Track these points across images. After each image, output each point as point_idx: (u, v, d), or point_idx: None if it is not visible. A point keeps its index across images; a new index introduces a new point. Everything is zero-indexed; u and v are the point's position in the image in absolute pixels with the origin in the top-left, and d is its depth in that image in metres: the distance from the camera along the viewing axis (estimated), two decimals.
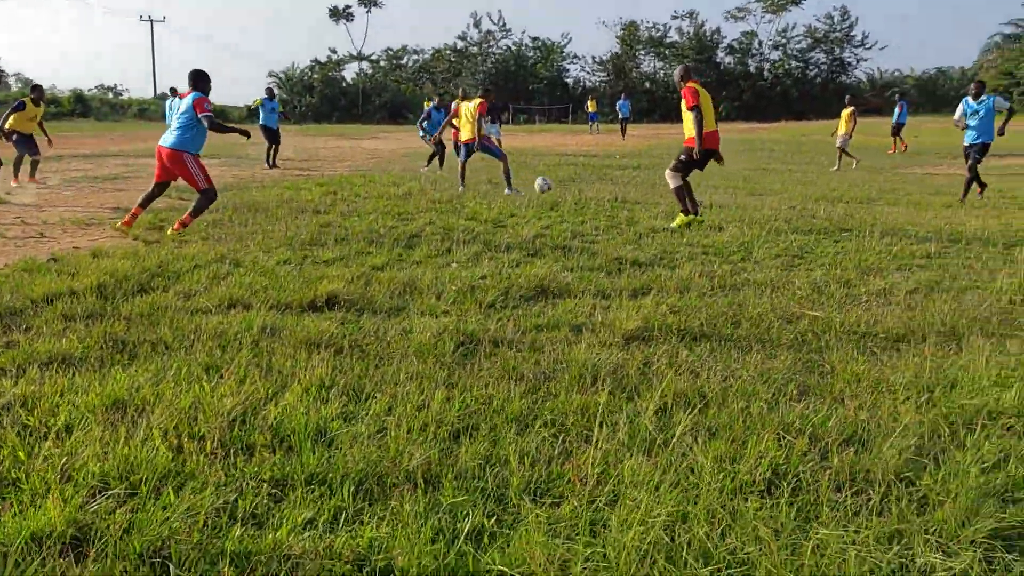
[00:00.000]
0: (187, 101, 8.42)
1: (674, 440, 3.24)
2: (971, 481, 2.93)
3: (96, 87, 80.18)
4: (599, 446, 3.19)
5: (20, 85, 68.46)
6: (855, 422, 3.52)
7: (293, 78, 68.63)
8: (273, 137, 18.26)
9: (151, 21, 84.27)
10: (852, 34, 65.99)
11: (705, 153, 9.11)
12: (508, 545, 2.45)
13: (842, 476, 3.00)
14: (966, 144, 12.79)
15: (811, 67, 66.84)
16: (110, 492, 2.69)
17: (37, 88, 13.83)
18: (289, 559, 2.32)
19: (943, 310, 5.51)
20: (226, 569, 2.27)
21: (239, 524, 2.56)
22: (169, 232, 8.37)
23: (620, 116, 35.06)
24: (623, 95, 39.04)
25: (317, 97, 66.48)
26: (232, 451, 3.07)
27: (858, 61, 68.34)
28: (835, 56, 66.39)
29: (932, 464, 3.11)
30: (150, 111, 60.12)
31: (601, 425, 3.43)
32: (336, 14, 70.01)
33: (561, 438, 3.29)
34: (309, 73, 69.31)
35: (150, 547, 2.38)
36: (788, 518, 2.65)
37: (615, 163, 20.28)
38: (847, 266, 7.04)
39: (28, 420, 3.31)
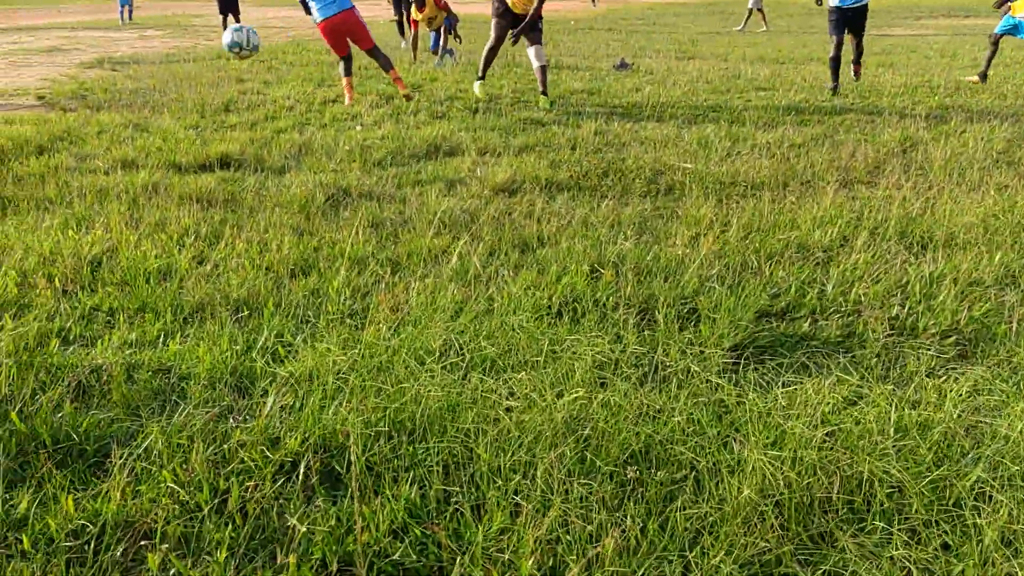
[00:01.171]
0: None
1: (492, 274, 3.55)
2: (748, 300, 3.26)
3: None
4: (423, 279, 3.49)
5: None
6: (673, 256, 3.82)
7: None
8: (228, 7, 17.46)
9: None
10: None
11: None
12: (299, 359, 2.77)
13: (634, 300, 3.32)
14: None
15: None
16: None
17: None
18: (97, 371, 2.64)
19: (816, 161, 5.77)
20: (40, 378, 2.58)
21: (67, 344, 2.86)
22: (403, 93, 8.19)
23: None
24: None
25: None
26: (79, 287, 3.35)
27: None
28: None
29: (723, 289, 3.42)
30: None
31: (432, 263, 3.73)
32: None
33: (393, 273, 3.58)
34: None
35: None
36: (559, 330, 2.98)
37: (567, 27, 19.92)
38: (744, 122, 7.23)
39: None
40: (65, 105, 8.39)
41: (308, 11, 7.99)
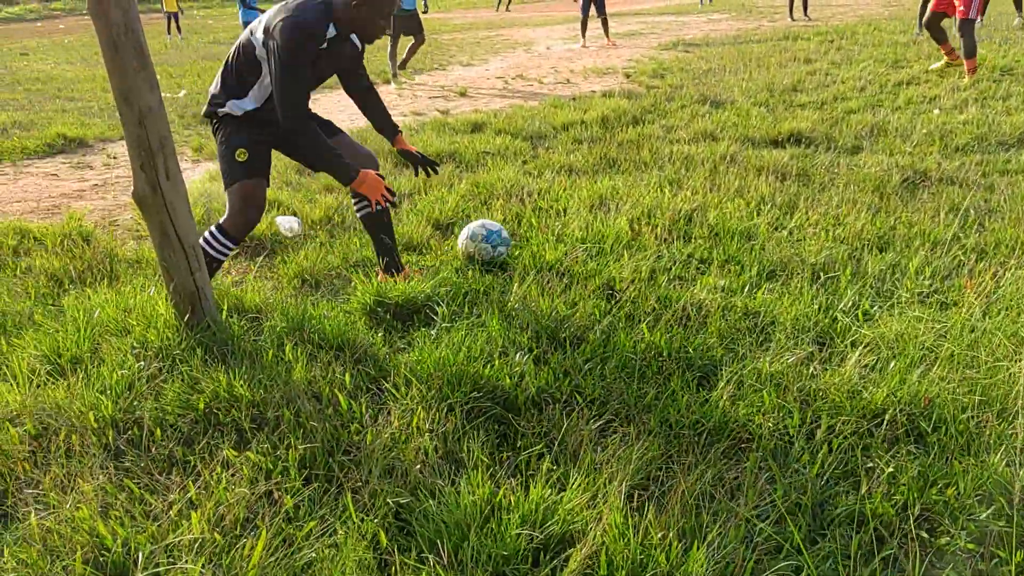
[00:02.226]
0: None
1: None
2: None
3: None
4: (1014, 271, 3.29)
5: None
6: None
7: None
8: None
9: None
10: None
11: None
12: (879, 324, 2.89)
13: None
14: None
15: None
16: (585, 248, 3.74)
17: None
18: (697, 305, 3.10)
19: None
20: (652, 303, 3.13)
21: (668, 280, 3.40)
22: (965, 79, 7.86)
23: None
24: None
25: None
26: (675, 236, 3.91)
27: None
28: None
29: None
30: None
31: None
32: None
33: (975, 260, 3.45)
34: None
35: (605, 283, 3.36)
36: None
37: None
38: None
39: (540, 204, 4.56)
40: (648, 83, 9.48)
41: None
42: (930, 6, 8.27)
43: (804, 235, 3.87)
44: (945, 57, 8.47)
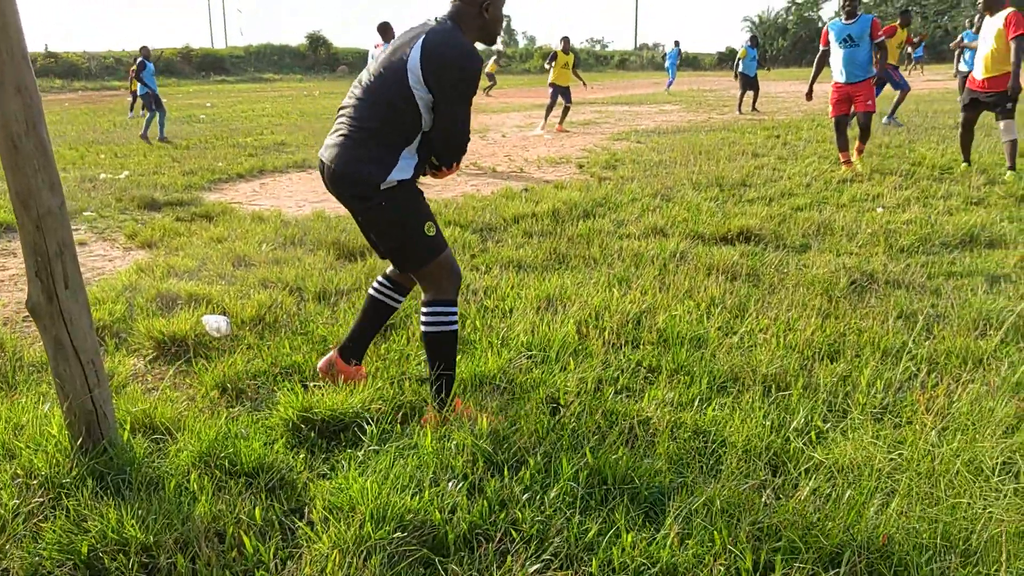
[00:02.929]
0: (862, 27, 8.33)
1: None
2: None
3: (586, 40, 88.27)
4: (966, 384, 3.20)
5: (525, 41, 79.06)
6: None
7: (767, 21, 67.62)
8: (750, 84, 18.40)
9: None
10: None
11: None
12: (833, 447, 2.74)
13: None
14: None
15: None
16: (530, 355, 3.57)
17: (565, 39, 15.88)
18: (644, 422, 2.92)
19: None
20: (598, 418, 2.95)
21: (616, 392, 3.23)
22: (856, 161, 8.88)
23: None
24: None
25: (789, 40, 64.59)
26: (623, 341, 3.77)
27: None
28: None
29: None
30: (629, 61, 64.76)
31: (976, 367, 3.39)
32: None
33: (926, 372, 3.35)
34: (784, 15, 67.56)
35: (548, 396, 3.17)
36: None
37: None
38: None
39: (486, 303, 4.40)
40: (600, 174, 9.53)
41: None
42: (830, 112, 8.91)
43: (755, 341, 3.75)
44: (843, 165, 8.89)
